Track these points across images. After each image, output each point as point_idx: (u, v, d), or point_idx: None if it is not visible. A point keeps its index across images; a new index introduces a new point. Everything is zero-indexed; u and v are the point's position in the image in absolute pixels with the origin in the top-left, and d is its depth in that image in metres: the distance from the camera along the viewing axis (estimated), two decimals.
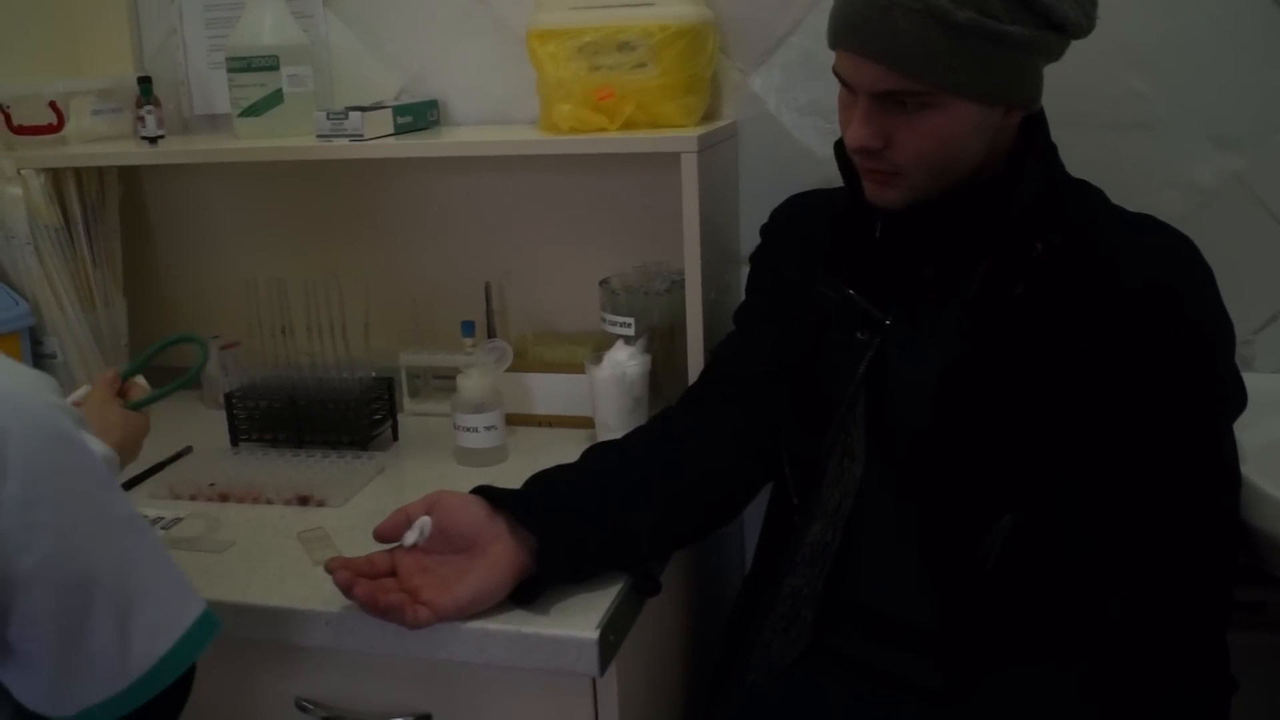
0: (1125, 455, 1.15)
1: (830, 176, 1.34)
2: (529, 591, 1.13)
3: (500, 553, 1.12)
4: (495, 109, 1.78)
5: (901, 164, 1.16)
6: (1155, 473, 1.15)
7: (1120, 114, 1.53)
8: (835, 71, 1.18)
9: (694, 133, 1.48)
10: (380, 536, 1.14)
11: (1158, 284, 1.15)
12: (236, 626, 1.16)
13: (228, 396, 1.64)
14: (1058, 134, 1.23)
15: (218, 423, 1.67)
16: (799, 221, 1.40)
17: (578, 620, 1.11)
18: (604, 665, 1.11)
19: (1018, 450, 1.17)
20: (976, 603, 1.20)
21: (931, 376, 1.21)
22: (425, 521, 1.12)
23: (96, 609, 0.87)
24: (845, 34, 1.15)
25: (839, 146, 1.27)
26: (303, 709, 1.21)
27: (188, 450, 1.62)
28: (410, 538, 1.12)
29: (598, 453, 1.29)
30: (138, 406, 1.31)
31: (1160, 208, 1.25)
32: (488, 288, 1.72)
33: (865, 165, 1.19)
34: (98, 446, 0.88)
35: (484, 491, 1.15)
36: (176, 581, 0.94)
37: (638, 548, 1.19)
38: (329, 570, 1.11)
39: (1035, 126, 1.21)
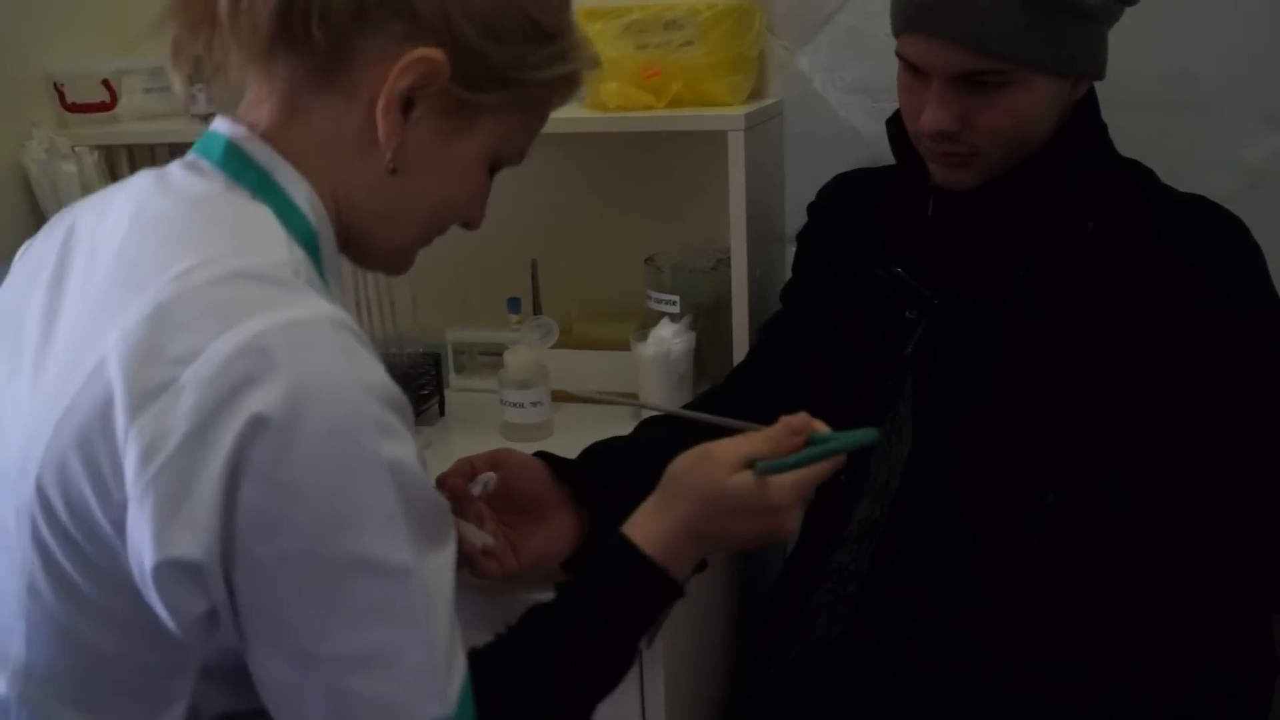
0: (1172, 434, 1.16)
1: (876, 155, 1.34)
2: (581, 561, 1.15)
3: (563, 520, 1.13)
4: None
5: (979, 145, 1.16)
6: (1202, 452, 1.15)
7: (1169, 93, 1.53)
8: (902, 56, 1.17)
9: (740, 111, 1.49)
10: (442, 482, 1.13)
11: (1207, 263, 1.15)
12: None
13: None
14: (1109, 114, 1.24)
15: None
16: (846, 200, 1.41)
17: None
18: (650, 637, 1.13)
19: (1064, 429, 1.18)
20: (1020, 580, 1.21)
21: (979, 354, 1.21)
22: (490, 477, 1.13)
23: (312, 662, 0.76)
24: (919, 16, 1.14)
25: (892, 125, 1.28)
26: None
27: None
28: (475, 490, 1.12)
29: (651, 426, 1.30)
30: (773, 470, 0.94)
31: (1210, 188, 1.24)
32: (534, 265, 1.73)
33: (938, 149, 1.18)
34: (419, 481, 0.78)
35: (545, 457, 1.16)
36: (426, 664, 0.78)
37: None
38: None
39: (1086, 105, 1.22)
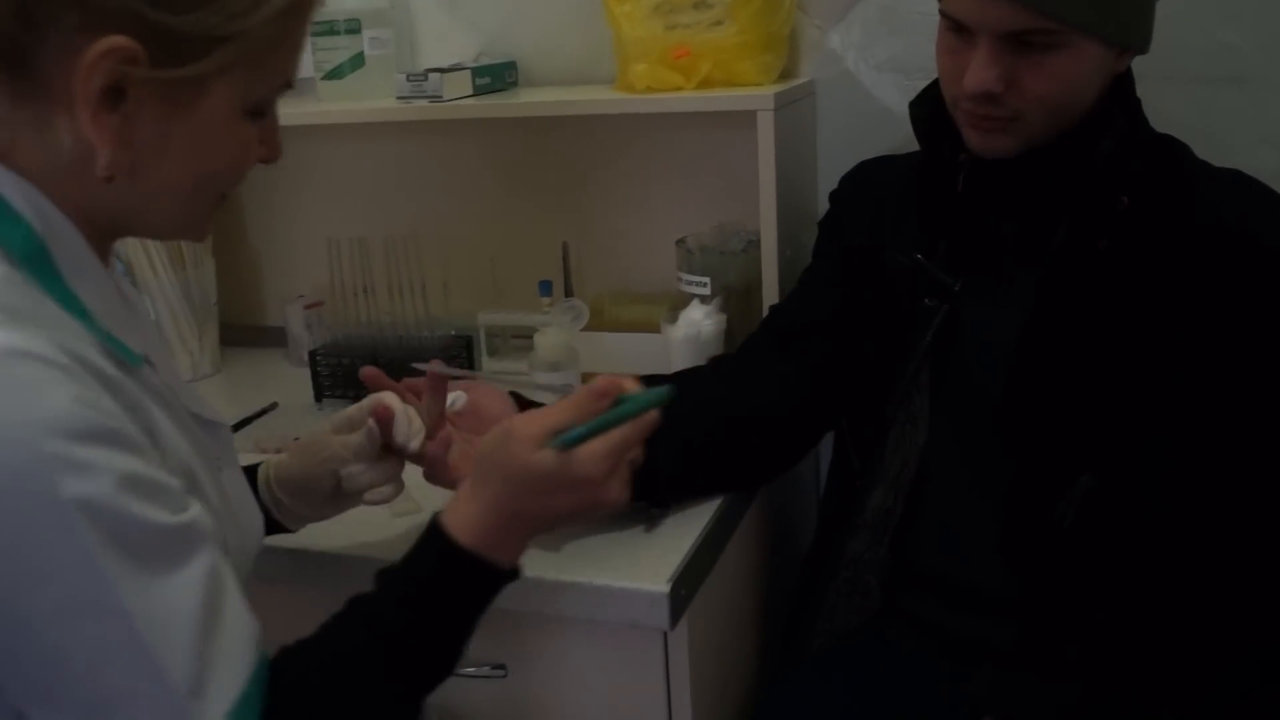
0: (1210, 413, 1.14)
1: (910, 135, 1.32)
2: None
3: None
4: (573, 69, 1.79)
5: (1021, 108, 1.14)
6: (1240, 431, 1.14)
7: (1211, 68, 1.50)
8: (948, 14, 1.16)
9: (770, 91, 1.49)
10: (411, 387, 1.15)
11: (1245, 238, 1.14)
12: (315, 576, 1.21)
13: (311, 354, 1.70)
14: (1144, 88, 1.22)
15: (302, 380, 1.72)
16: (868, 187, 1.40)
17: (649, 574, 1.14)
18: (675, 619, 1.13)
19: (1098, 409, 1.16)
20: (1052, 564, 1.20)
21: (1010, 337, 1.20)
22: (460, 395, 1.16)
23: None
24: None
25: (916, 107, 1.27)
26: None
27: (273, 406, 1.68)
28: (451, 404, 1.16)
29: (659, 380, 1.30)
30: (570, 443, 0.90)
31: (1252, 165, 1.22)
32: (565, 247, 1.74)
33: (979, 112, 1.16)
34: (126, 511, 0.74)
35: (515, 395, 1.18)
36: (165, 699, 0.75)
37: (655, 476, 1.15)
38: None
39: (1123, 80, 1.20)
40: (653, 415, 0.91)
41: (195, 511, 0.79)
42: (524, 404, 1.18)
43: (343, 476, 1.09)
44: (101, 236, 0.86)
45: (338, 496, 1.11)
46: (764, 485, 1.45)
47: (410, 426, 1.09)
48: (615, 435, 0.90)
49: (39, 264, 0.79)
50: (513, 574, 0.93)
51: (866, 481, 1.30)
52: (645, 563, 1.16)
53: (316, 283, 1.73)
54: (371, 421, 1.07)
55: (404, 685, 0.88)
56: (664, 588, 1.12)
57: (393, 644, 0.87)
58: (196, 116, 0.82)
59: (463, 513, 0.91)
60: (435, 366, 1.13)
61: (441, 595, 0.90)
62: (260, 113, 0.87)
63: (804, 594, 1.38)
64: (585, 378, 1.57)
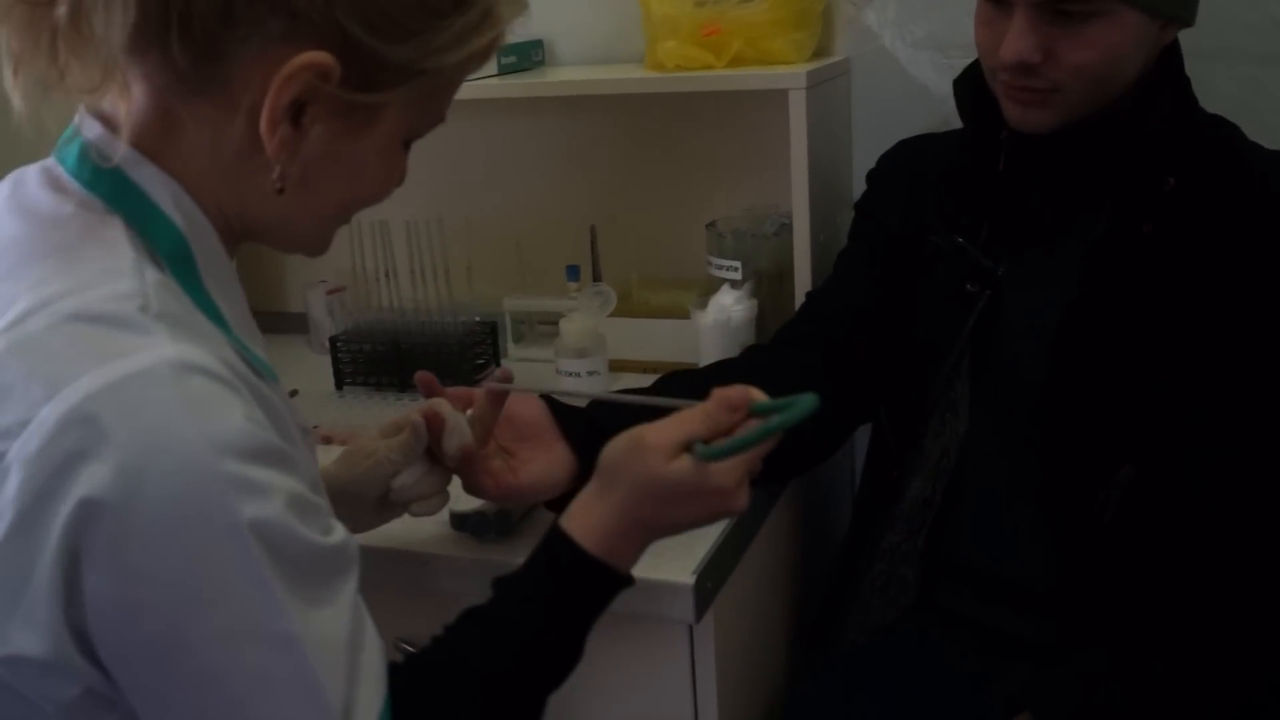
0: (1257, 402, 1.13)
1: (948, 114, 1.31)
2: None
3: (563, 452, 1.13)
4: (600, 48, 1.77)
5: (1060, 80, 1.12)
6: None
7: (1262, 44, 1.47)
8: None
9: (803, 69, 1.46)
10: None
11: None
12: None
13: (332, 340, 1.69)
14: (1192, 67, 1.20)
15: (323, 366, 1.71)
16: (908, 167, 1.38)
17: (674, 565, 1.12)
18: (700, 612, 1.11)
19: (1141, 398, 1.15)
20: (1093, 557, 1.18)
21: (1050, 323, 1.19)
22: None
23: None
24: None
25: (959, 85, 1.26)
26: (404, 650, 1.24)
27: (294, 393, 1.67)
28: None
29: (665, 380, 1.29)
30: (718, 456, 0.90)
31: None
32: (592, 231, 1.73)
33: (1017, 84, 1.14)
34: (295, 535, 0.73)
35: (548, 400, 1.18)
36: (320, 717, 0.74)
37: None
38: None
39: (1171, 56, 1.18)
40: (779, 436, 0.91)
41: (342, 532, 0.79)
42: (556, 409, 1.17)
43: (393, 488, 1.07)
44: (233, 242, 0.86)
45: (383, 507, 1.09)
46: (798, 476, 1.43)
47: (459, 435, 1.07)
48: (754, 449, 0.90)
49: (183, 267, 0.79)
50: (629, 581, 0.94)
51: (904, 471, 1.28)
52: (669, 553, 1.14)
53: (338, 267, 1.72)
54: (418, 417, 1.06)
55: (527, 692, 0.89)
56: (689, 579, 1.10)
57: (517, 650, 0.88)
58: (364, 141, 0.82)
59: (587, 520, 0.92)
60: (495, 383, 1.11)
61: (567, 601, 0.91)
62: (407, 145, 0.88)
63: (837, 587, 1.37)
64: (612, 365, 1.56)
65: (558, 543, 0.92)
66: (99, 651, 0.71)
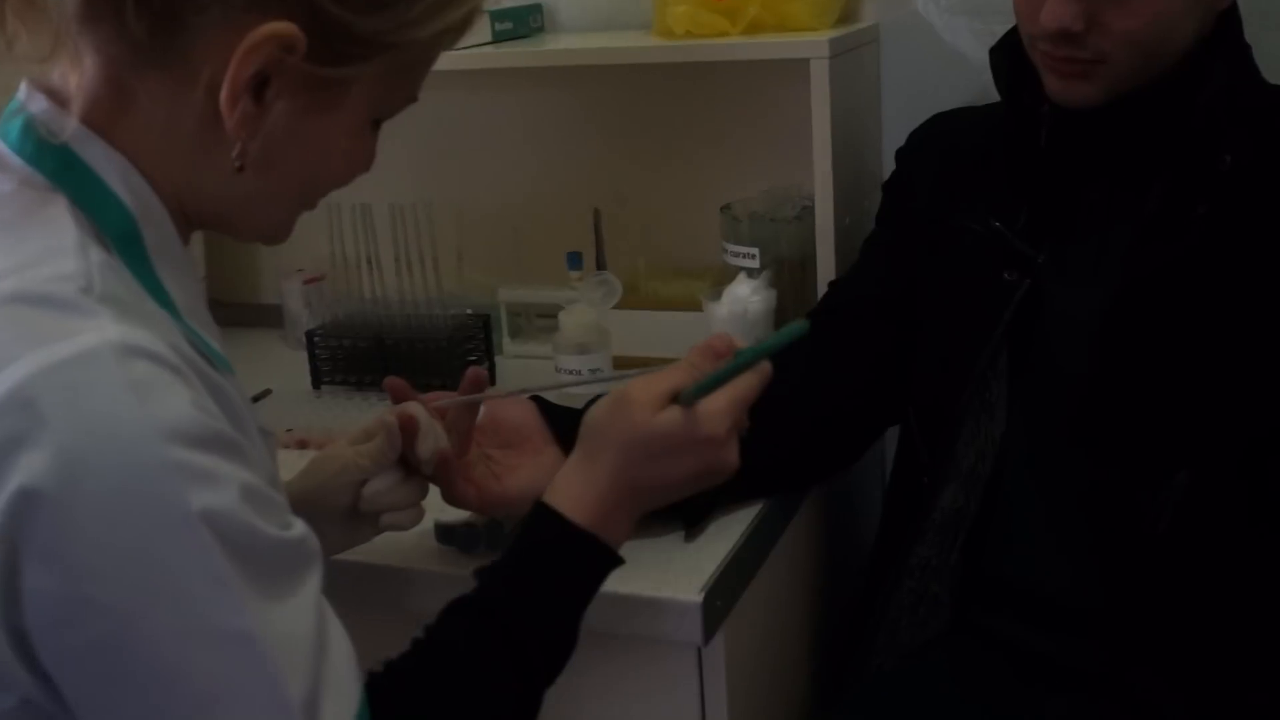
0: None
1: (986, 85, 1.32)
2: None
3: (553, 456, 1.15)
4: (605, 13, 1.79)
5: (1105, 49, 1.13)
6: None
7: None
8: None
9: (826, 36, 1.48)
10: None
11: None
12: None
13: (309, 335, 1.70)
14: (1252, 34, 1.20)
15: (298, 363, 1.73)
16: (941, 144, 1.39)
17: (680, 582, 1.13)
18: (709, 634, 1.13)
19: (1196, 397, 1.16)
20: (1144, 573, 1.19)
21: (1096, 315, 1.20)
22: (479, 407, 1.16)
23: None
24: None
25: (997, 54, 1.27)
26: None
27: (266, 393, 1.69)
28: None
29: None
30: (701, 393, 0.95)
31: None
32: (596, 215, 1.74)
33: (1058, 54, 1.15)
34: (250, 526, 0.75)
35: (538, 401, 1.20)
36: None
37: None
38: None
39: (1228, 20, 1.19)
40: (768, 367, 0.96)
41: (302, 526, 0.80)
42: (548, 411, 1.19)
43: (364, 496, 1.09)
44: (187, 226, 0.87)
45: (352, 521, 1.11)
46: (818, 485, 1.44)
47: (434, 438, 1.09)
48: (738, 387, 0.95)
49: (131, 249, 0.80)
50: (617, 561, 0.96)
51: (936, 478, 1.29)
52: (676, 569, 1.16)
53: (316, 255, 1.74)
54: (392, 418, 1.08)
55: (522, 685, 0.91)
56: (697, 597, 1.11)
57: (508, 640, 0.90)
58: (330, 119, 0.85)
59: (574, 491, 0.95)
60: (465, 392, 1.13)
61: (558, 580, 0.94)
62: (377, 125, 0.90)
63: (863, 606, 1.38)
64: (617, 362, 1.57)
65: (543, 519, 0.94)
66: (39, 655, 0.72)
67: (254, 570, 0.74)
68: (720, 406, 0.94)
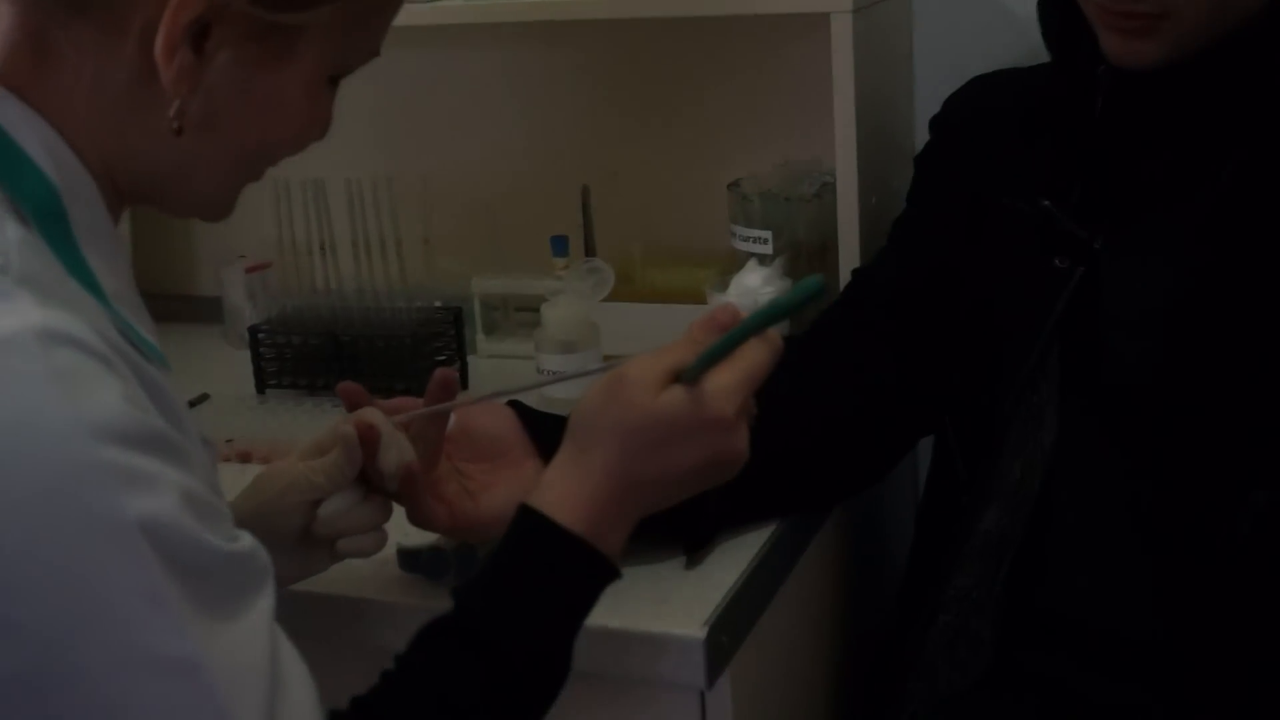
0: None
1: (1034, 44, 1.32)
2: None
3: (536, 471, 1.13)
4: None
5: (1169, 3, 1.13)
6: None
7: None
8: None
9: None
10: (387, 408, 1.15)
11: None
12: None
13: (252, 331, 1.71)
14: None
15: (241, 363, 1.74)
16: (981, 111, 1.39)
17: (680, 614, 1.13)
18: (713, 675, 1.13)
19: (1276, 402, 1.16)
20: (1214, 606, 1.19)
21: (1161, 307, 1.21)
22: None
23: None
24: None
25: (1045, 6, 1.27)
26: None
27: (203, 398, 1.70)
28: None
29: None
30: (705, 364, 0.95)
31: None
32: (585, 192, 1.74)
33: (1117, 8, 1.15)
34: (192, 535, 0.75)
35: (516, 407, 1.20)
36: None
37: (703, 505, 1.14)
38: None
39: None
40: (778, 339, 0.95)
41: (250, 539, 0.81)
42: (529, 418, 1.19)
43: (318, 517, 1.09)
44: (118, 202, 0.88)
45: (304, 547, 1.10)
46: (841, 504, 1.45)
47: (398, 450, 1.09)
48: (746, 361, 0.94)
49: (53, 226, 0.81)
50: (615, 573, 0.96)
51: (976, 497, 1.29)
52: (676, 600, 1.16)
53: (262, 239, 1.74)
54: (350, 428, 1.07)
55: (509, 717, 0.91)
56: (699, 633, 1.11)
57: (491, 665, 0.90)
58: (280, 73, 0.86)
59: (563, 490, 0.94)
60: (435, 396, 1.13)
61: (547, 596, 0.94)
62: (335, 82, 0.91)
63: (893, 645, 1.38)
64: (608, 360, 1.57)
65: (527, 524, 0.94)
66: None
67: (198, 588, 0.74)
68: (727, 384, 0.93)
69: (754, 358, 0.94)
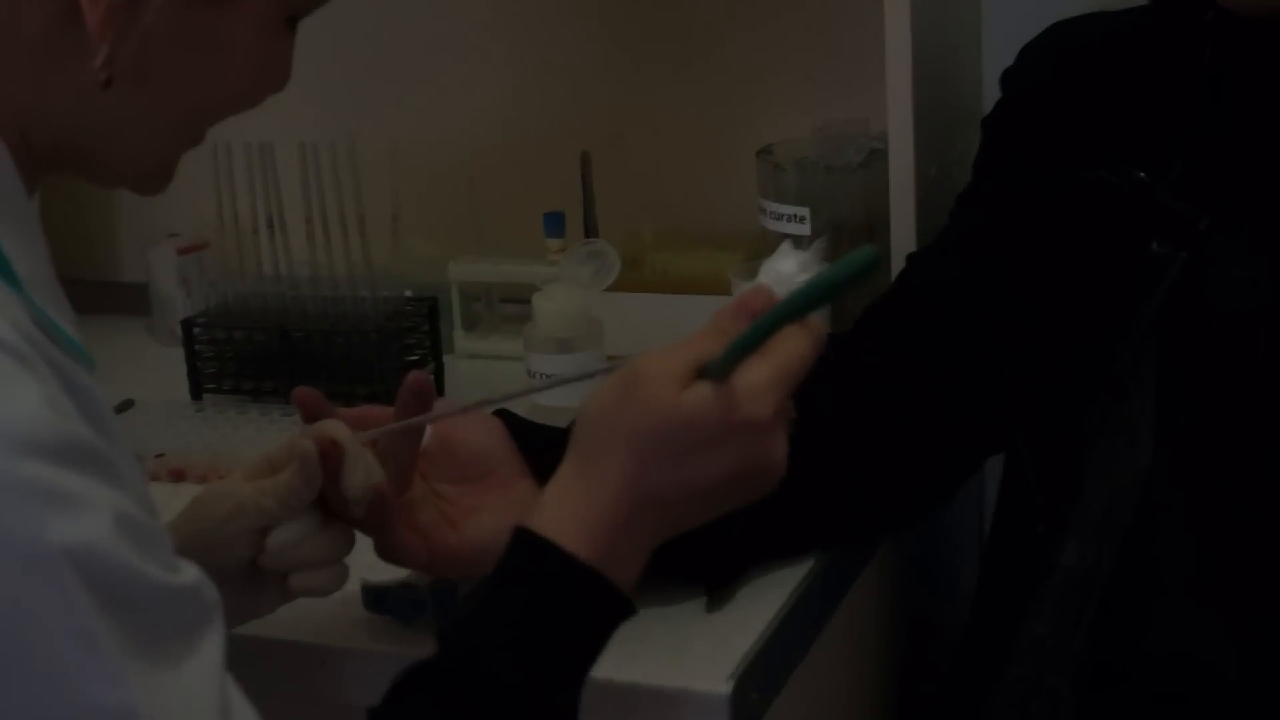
0: None
1: None
2: None
3: (527, 494, 1.14)
4: None
5: None
6: None
7: None
8: None
9: None
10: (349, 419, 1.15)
11: None
12: None
13: (186, 325, 1.71)
14: None
15: (172, 363, 1.74)
16: (1064, 65, 1.39)
17: (702, 666, 1.13)
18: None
19: None
20: None
21: (1278, 301, 1.21)
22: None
23: None
24: None
25: None
26: None
27: (127, 405, 1.69)
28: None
29: None
30: (726, 367, 0.93)
31: None
32: (585, 161, 1.74)
33: None
34: (126, 565, 0.75)
35: (506, 417, 1.20)
36: None
37: (728, 535, 1.16)
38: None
39: None
40: (820, 327, 0.94)
41: (194, 571, 0.80)
42: (519, 431, 1.19)
43: (267, 548, 1.08)
44: (35, 170, 0.88)
45: (250, 583, 1.10)
46: (892, 535, 1.45)
47: (365, 469, 1.08)
48: (782, 353, 0.92)
49: None
50: (629, 608, 0.94)
51: (1055, 527, 1.29)
52: (699, 650, 1.16)
53: (197, 215, 1.75)
54: (308, 443, 1.06)
55: None
56: (724, 688, 1.11)
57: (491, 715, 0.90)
58: (227, 13, 0.87)
59: (567, 510, 0.93)
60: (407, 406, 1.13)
61: (549, 635, 0.92)
62: (293, 24, 0.92)
63: (953, 703, 1.39)
64: (612, 361, 1.57)
65: (526, 550, 0.93)
66: None
67: (136, 626, 0.74)
68: (761, 380, 0.91)
69: (792, 349, 0.92)
